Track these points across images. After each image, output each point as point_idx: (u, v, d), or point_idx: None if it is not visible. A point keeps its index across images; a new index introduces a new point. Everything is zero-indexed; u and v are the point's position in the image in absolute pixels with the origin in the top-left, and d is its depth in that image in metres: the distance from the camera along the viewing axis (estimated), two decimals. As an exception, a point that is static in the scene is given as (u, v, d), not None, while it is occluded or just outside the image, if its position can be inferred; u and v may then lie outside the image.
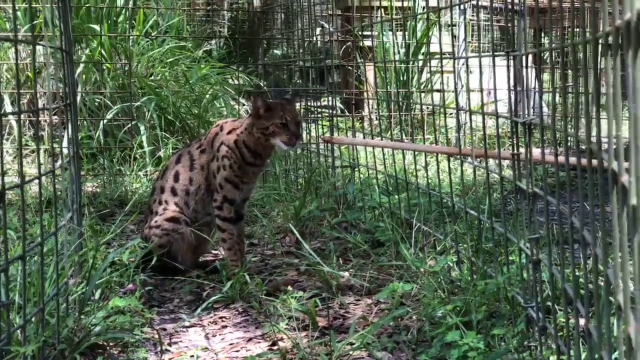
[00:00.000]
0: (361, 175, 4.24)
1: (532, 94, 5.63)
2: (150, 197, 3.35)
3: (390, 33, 7.17)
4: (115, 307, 2.46)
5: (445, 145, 5.41)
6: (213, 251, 3.55)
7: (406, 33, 7.20)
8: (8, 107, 5.56)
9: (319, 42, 5.66)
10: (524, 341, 2.05)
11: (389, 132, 6.19)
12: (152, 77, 5.95)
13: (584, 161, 1.41)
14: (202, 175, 3.19)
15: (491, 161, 5.30)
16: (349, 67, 7.07)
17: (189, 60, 6.33)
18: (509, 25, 2.40)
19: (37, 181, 1.95)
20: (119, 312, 2.48)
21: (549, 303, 2.03)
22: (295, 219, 3.80)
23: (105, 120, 5.42)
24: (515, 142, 2.27)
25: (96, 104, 5.67)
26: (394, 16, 6.90)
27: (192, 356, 2.36)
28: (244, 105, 6.29)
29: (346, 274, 3.04)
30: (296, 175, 4.88)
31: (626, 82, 0.84)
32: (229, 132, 3.17)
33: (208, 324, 2.67)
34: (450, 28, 6.02)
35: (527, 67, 2.21)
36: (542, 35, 6.87)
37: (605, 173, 1.05)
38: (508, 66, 2.31)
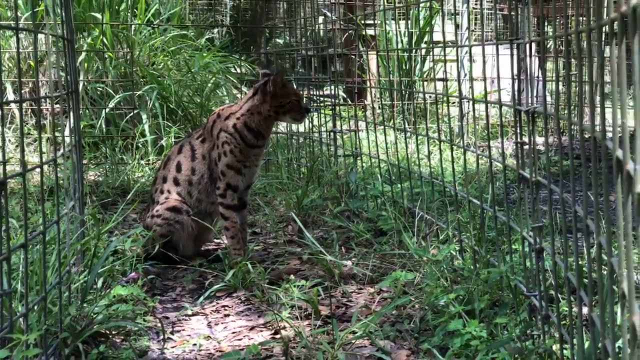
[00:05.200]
0: (364, 164, 4.23)
1: (535, 83, 5.62)
2: (152, 186, 3.35)
3: (393, 21, 7.15)
4: (118, 296, 2.46)
5: (448, 134, 5.40)
6: (215, 240, 3.55)
7: (409, 21, 7.18)
8: (10, 96, 5.56)
9: (321, 30, 5.64)
10: (527, 330, 2.05)
11: (392, 121, 6.18)
12: (154, 66, 5.94)
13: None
14: (205, 164, 3.19)
15: (494, 149, 5.30)
16: (352, 56, 7.06)
17: (191, 49, 6.32)
18: (513, 13, 2.39)
19: (39, 170, 1.94)
20: (122, 300, 2.48)
21: (552, 292, 2.03)
22: (298, 207, 3.79)
23: (107, 109, 5.41)
24: (518, 130, 2.26)
25: (98, 92, 5.66)
26: (396, 4, 6.87)
27: (195, 344, 2.36)
28: (246, 93, 6.28)
29: (349, 262, 3.04)
30: (299, 164, 4.87)
31: (632, 69, 0.84)
32: (227, 118, 3.17)
33: (210, 313, 2.67)
34: (453, 16, 6.00)
35: (530, 55, 2.20)
36: (546, 23, 6.84)
37: (610, 161, 1.04)
38: (512, 55, 2.30)
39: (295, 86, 3.22)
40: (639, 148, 0.77)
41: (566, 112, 1.68)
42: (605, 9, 1.20)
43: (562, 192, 1.72)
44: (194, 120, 5.61)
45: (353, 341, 2.26)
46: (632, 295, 0.90)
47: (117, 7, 6.01)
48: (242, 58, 6.60)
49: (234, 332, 2.48)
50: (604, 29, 1.20)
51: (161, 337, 2.38)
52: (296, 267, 3.11)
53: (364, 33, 7.07)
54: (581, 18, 1.48)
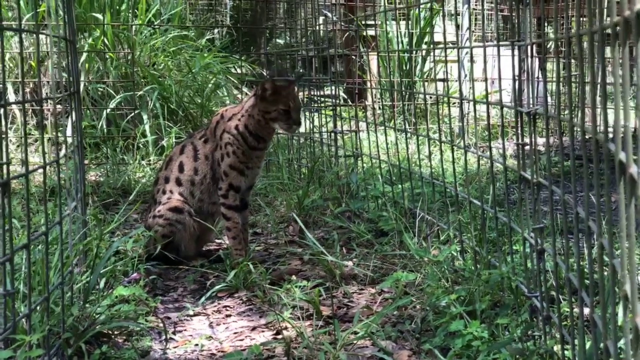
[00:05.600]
0: (364, 165, 4.24)
1: (536, 84, 5.62)
2: (154, 186, 3.35)
3: (394, 22, 7.16)
4: (120, 296, 2.46)
5: (449, 134, 5.41)
6: (217, 240, 3.55)
7: (409, 22, 7.18)
8: (12, 96, 5.56)
9: (321, 31, 5.64)
10: (528, 330, 2.05)
11: (392, 122, 6.19)
12: (155, 66, 5.94)
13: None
14: (207, 164, 3.19)
15: (495, 150, 5.30)
16: (352, 57, 7.06)
17: (192, 50, 6.32)
18: (513, 14, 2.39)
19: (41, 170, 1.95)
20: (124, 301, 2.48)
21: (553, 293, 2.03)
22: (299, 208, 3.80)
23: (108, 110, 5.42)
24: (519, 131, 2.26)
25: (99, 93, 5.66)
26: (397, 5, 6.88)
27: (197, 345, 2.37)
28: (247, 94, 6.28)
29: (350, 263, 3.04)
30: (299, 165, 4.88)
31: (634, 70, 0.84)
32: (230, 119, 3.17)
33: (212, 313, 2.68)
34: (453, 17, 6.00)
35: (531, 56, 2.21)
36: (546, 24, 6.85)
37: (612, 163, 1.05)
38: (512, 57, 2.31)
39: (293, 94, 3.11)
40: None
41: (567, 113, 1.68)
42: (605, 9, 1.21)
43: (563, 193, 1.73)
44: (194, 121, 5.62)
45: (355, 341, 2.26)
46: (635, 297, 0.90)
47: (118, 8, 6.01)
48: (243, 58, 6.60)
49: (235, 333, 2.48)
50: (605, 31, 1.20)
51: (163, 337, 2.39)
52: (297, 267, 3.12)
53: (364, 33, 7.07)
54: (582, 19, 1.49)
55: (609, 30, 1.07)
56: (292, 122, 3.05)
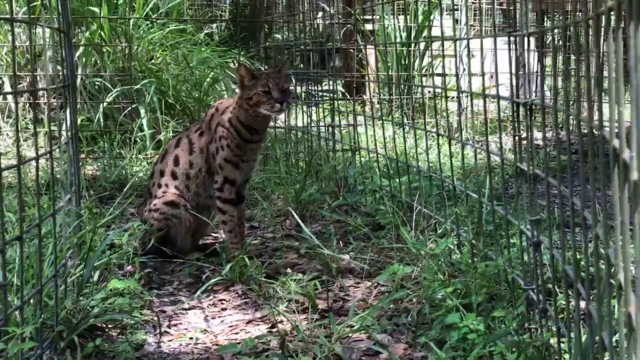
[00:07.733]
0: (362, 159, 4.22)
1: (533, 78, 5.61)
2: (149, 180, 3.34)
3: (392, 16, 7.14)
4: (114, 289, 2.45)
5: (447, 128, 5.39)
6: (213, 234, 3.54)
7: (408, 16, 7.16)
8: (8, 90, 5.54)
9: (320, 25, 5.62)
10: (524, 323, 2.04)
11: (390, 116, 6.17)
12: (153, 60, 5.92)
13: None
14: (202, 158, 3.17)
15: (492, 145, 5.29)
16: (351, 51, 7.04)
17: (190, 44, 6.30)
18: (512, 8, 2.37)
19: (36, 164, 1.93)
20: (118, 294, 2.47)
21: (550, 285, 2.02)
22: (296, 202, 3.78)
23: (105, 103, 5.40)
24: (516, 124, 2.25)
25: (96, 86, 5.64)
26: (395, -1, 6.86)
27: (192, 338, 2.35)
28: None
29: (346, 256, 3.03)
30: (297, 159, 4.86)
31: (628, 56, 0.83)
32: (224, 112, 3.15)
33: (207, 307, 2.66)
34: (452, 11, 5.98)
35: (528, 50, 2.19)
36: (544, 18, 6.83)
37: (607, 152, 1.04)
38: (509, 45, 2.29)
39: (273, 76, 3.04)
40: (635, 133, 0.76)
41: (564, 104, 1.67)
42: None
43: (559, 184, 1.72)
44: (192, 115, 5.60)
45: (350, 335, 2.25)
46: (629, 286, 0.89)
47: (115, 1, 5.99)
48: (241, 53, 6.58)
49: (230, 326, 2.47)
50: (602, 20, 1.19)
51: (158, 330, 2.38)
52: (294, 261, 3.11)
53: (362, 28, 7.06)
54: (579, 14, 1.47)
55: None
56: (273, 101, 2.96)
